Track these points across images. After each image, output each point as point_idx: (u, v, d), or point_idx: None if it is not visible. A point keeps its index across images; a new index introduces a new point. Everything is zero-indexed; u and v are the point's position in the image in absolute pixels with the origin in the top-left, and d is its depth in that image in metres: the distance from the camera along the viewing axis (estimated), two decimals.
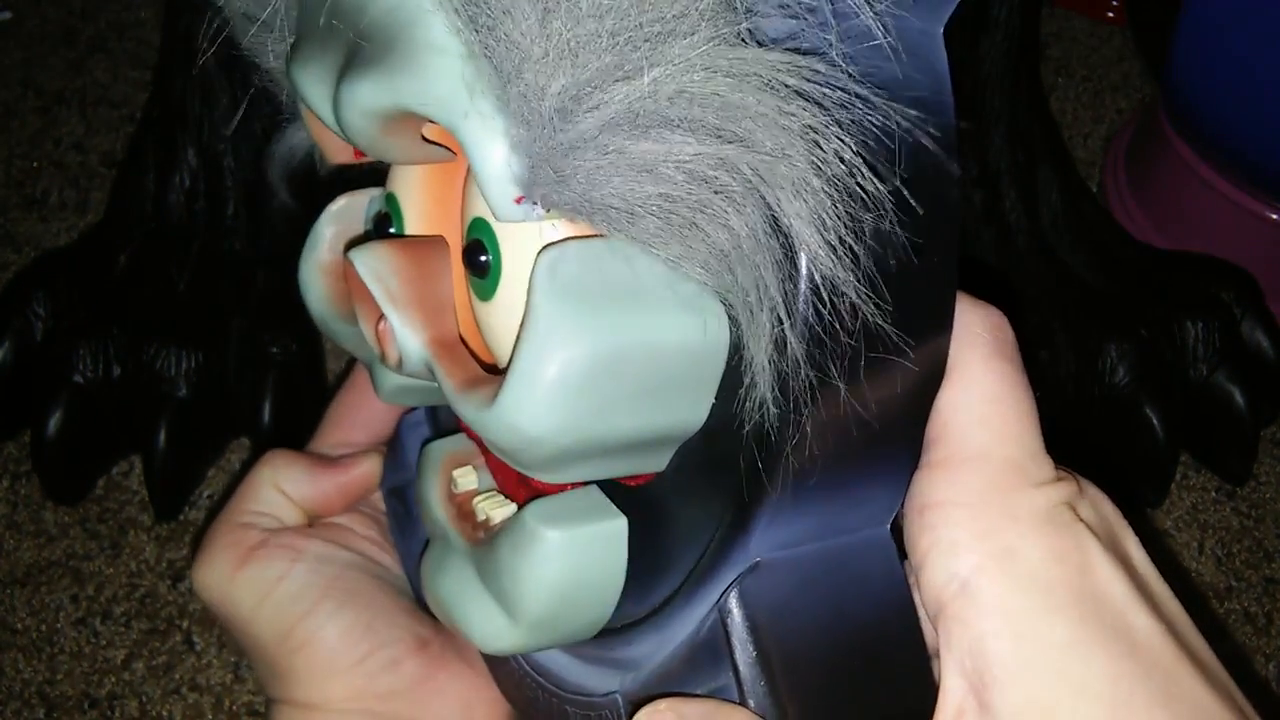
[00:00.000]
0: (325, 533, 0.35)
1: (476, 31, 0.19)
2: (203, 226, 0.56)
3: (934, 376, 0.22)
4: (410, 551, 0.33)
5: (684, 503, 0.24)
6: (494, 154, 0.19)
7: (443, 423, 0.33)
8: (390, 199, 0.26)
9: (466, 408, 0.22)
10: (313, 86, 0.23)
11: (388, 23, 0.21)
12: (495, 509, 0.26)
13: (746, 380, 0.21)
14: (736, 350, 0.21)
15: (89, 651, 0.50)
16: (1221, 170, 0.58)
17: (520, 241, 0.22)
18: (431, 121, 0.21)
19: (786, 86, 0.19)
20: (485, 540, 0.25)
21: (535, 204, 0.20)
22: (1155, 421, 0.51)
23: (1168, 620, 0.22)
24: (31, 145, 0.67)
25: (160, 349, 0.51)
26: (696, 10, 0.19)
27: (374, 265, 0.24)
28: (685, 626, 0.24)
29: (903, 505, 0.23)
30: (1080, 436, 0.53)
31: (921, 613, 0.24)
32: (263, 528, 0.34)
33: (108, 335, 0.51)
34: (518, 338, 0.20)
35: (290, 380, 0.52)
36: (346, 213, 0.29)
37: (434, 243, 0.25)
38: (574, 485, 0.25)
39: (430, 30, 0.20)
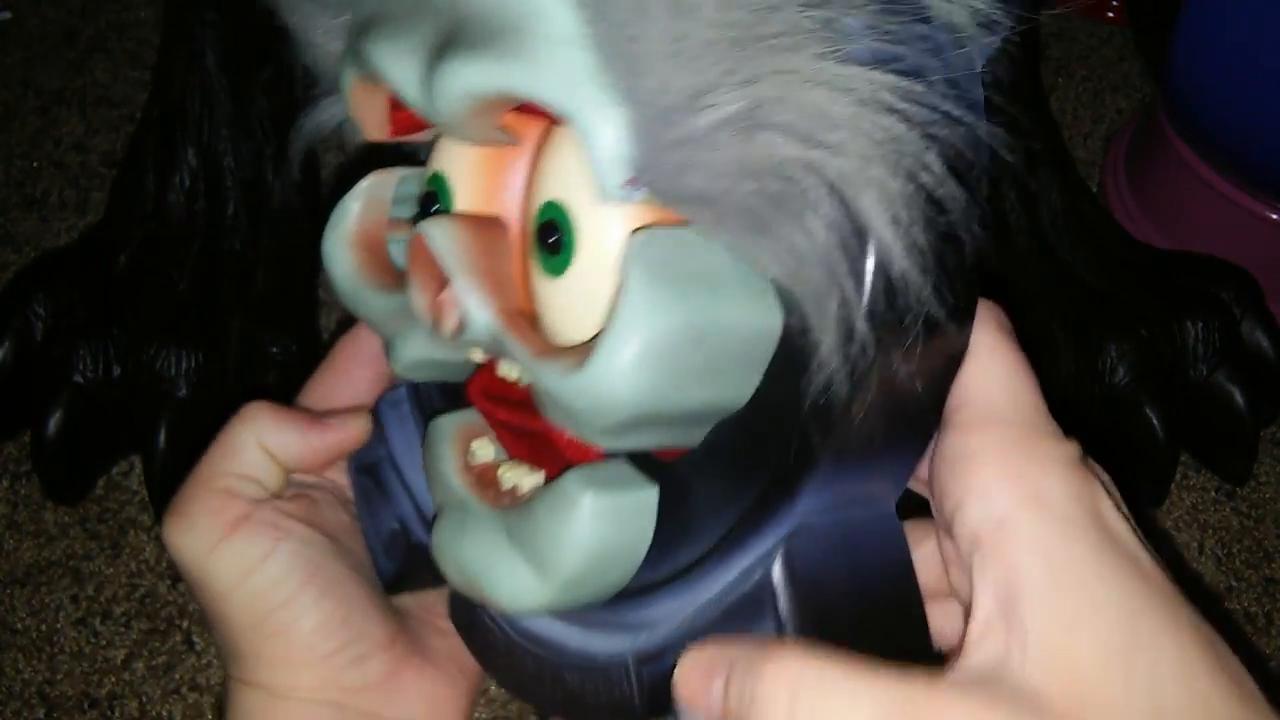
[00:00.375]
0: (305, 513, 0.34)
1: (602, 26, 0.21)
2: (203, 226, 0.56)
3: (961, 358, 0.25)
4: (379, 528, 0.34)
5: (708, 475, 0.26)
6: (613, 140, 0.22)
7: (426, 401, 0.33)
8: (437, 179, 0.27)
9: (548, 373, 0.24)
10: (395, 62, 0.24)
11: (501, 9, 0.22)
12: (523, 477, 0.28)
13: (814, 362, 0.23)
14: (796, 334, 0.23)
15: (89, 651, 0.50)
16: (1221, 170, 0.58)
17: (599, 224, 0.24)
18: (538, 107, 0.22)
19: (879, 101, 0.21)
20: (514, 506, 0.27)
21: (641, 189, 0.22)
22: (1155, 421, 0.51)
23: (1162, 565, 0.24)
24: (31, 145, 0.67)
25: (160, 349, 0.51)
26: (803, 28, 0.21)
27: (447, 237, 0.25)
28: (713, 586, 0.26)
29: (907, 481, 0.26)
30: (1080, 436, 0.53)
31: (930, 559, 0.26)
32: (247, 496, 0.33)
33: (108, 335, 0.51)
34: (612, 310, 0.23)
35: (290, 380, 0.52)
36: (375, 190, 0.30)
37: (494, 221, 0.26)
38: (603, 456, 0.26)
39: (554, 21, 0.22)
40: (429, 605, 0.37)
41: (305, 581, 0.33)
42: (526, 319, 0.26)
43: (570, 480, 0.25)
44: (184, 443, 0.52)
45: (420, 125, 0.29)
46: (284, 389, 0.52)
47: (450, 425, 0.30)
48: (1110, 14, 0.75)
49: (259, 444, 0.34)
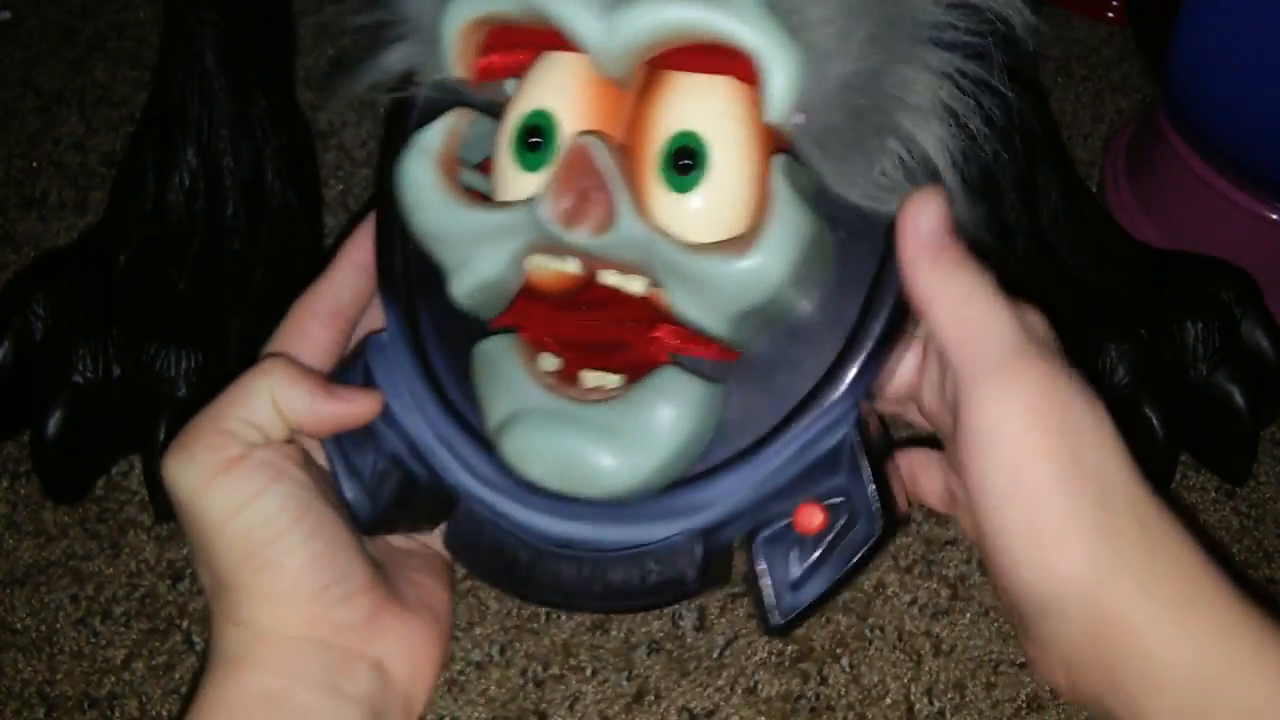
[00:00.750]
0: (298, 458, 0.35)
1: (792, 26, 0.29)
2: (203, 226, 0.56)
3: None
4: (362, 469, 0.35)
5: (748, 378, 0.33)
6: (791, 75, 0.29)
7: (416, 346, 0.35)
8: (542, 114, 0.32)
9: (708, 262, 0.30)
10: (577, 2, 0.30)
11: None
12: (605, 378, 0.33)
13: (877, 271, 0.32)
14: (850, 253, 0.32)
15: (89, 651, 0.50)
16: (1221, 170, 0.58)
17: (728, 151, 0.31)
18: (724, 46, 0.29)
19: (945, 74, 0.30)
20: (603, 401, 0.32)
21: (799, 116, 0.30)
22: (1155, 421, 0.51)
23: None
24: (31, 145, 0.67)
25: (160, 349, 0.51)
26: (902, 23, 0.30)
27: (606, 153, 0.30)
28: (776, 459, 0.32)
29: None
30: None
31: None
32: (247, 440, 0.34)
33: (108, 335, 0.51)
34: (762, 212, 0.30)
35: None
36: (453, 123, 0.34)
37: (620, 146, 0.32)
38: (668, 361, 0.32)
39: (761, 5, 0.29)
40: (398, 559, 0.39)
41: (296, 520, 0.34)
42: None
43: (672, 374, 0.31)
44: None
45: (502, 74, 0.34)
46: None
47: (504, 345, 0.33)
48: (1110, 14, 0.75)
49: (271, 397, 0.35)
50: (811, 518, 0.32)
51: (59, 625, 0.51)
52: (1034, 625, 0.31)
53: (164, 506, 0.52)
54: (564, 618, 0.50)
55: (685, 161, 0.31)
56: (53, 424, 0.50)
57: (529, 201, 0.31)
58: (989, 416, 0.30)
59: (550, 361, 0.33)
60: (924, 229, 0.31)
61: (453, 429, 0.35)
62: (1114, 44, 0.74)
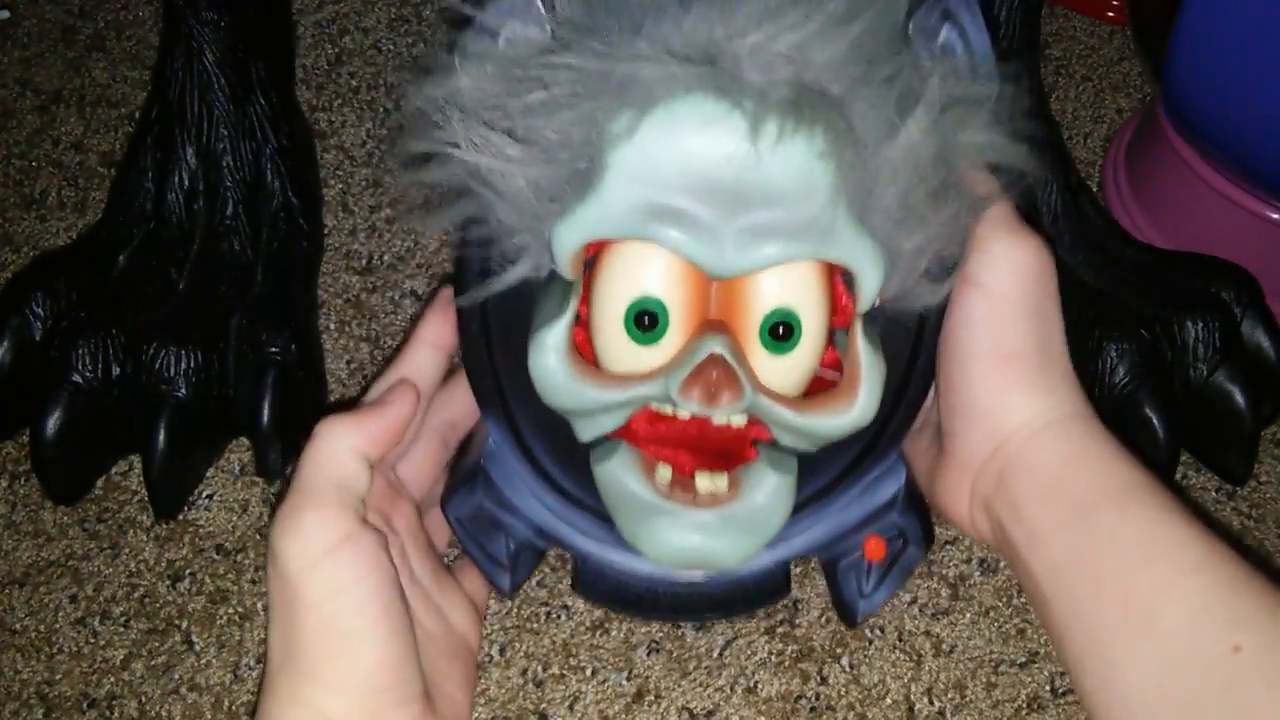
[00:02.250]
0: (389, 554, 0.37)
1: (871, 222, 0.36)
2: (202, 226, 0.56)
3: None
4: (499, 553, 0.44)
5: (811, 457, 0.41)
6: (878, 282, 0.37)
7: (525, 451, 0.43)
8: (650, 301, 0.38)
9: (817, 421, 0.39)
10: (706, 240, 0.36)
11: (810, 216, 0.35)
12: (715, 482, 0.40)
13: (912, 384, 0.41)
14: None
15: (88, 651, 0.50)
16: (1221, 170, 0.58)
17: (814, 323, 0.39)
18: (835, 268, 0.39)
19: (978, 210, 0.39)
20: (720, 502, 0.40)
21: (879, 301, 0.38)
22: (1156, 421, 0.51)
23: None
24: (30, 145, 0.67)
25: (160, 349, 0.51)
26: (959, 218, 0.38)
27: (731, 349, 0.37)
28: (840, 503, 0.43)
29: None
30: None
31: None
32: (353, 513, 0.36)
33: (108, 335, 0.51)
34: (857, 374, 0.38)
35: (290, 380, 0.52)
36: (569, 322, 0.39)
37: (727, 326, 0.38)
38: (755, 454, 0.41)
39: (840, 219, 0.35)
40: (434, 664, 0.40)
41: (381, 615, 0.36)
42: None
43: (764, 472, 0.40)
44: (184, 443, 0.52)
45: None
46: (284, 389, 0.52)
47: (623, 465, 0.40)
48: (1110, 14, 0.75)
49: (351, 449, 0.37)
50: (877, 550, 0.44)
51: (58, 625, 0.51)
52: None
53: (163, 506, 0.52)
54: (564, 618, 0.50)
55: (782, 330, 0.38)
56: (52, 424, 0.50)
57: (649, 376, 0.38)
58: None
59: (665, 473, 0.40)
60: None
61: (567, 508, 0.43)
62: (1114, 44, 0.74)
